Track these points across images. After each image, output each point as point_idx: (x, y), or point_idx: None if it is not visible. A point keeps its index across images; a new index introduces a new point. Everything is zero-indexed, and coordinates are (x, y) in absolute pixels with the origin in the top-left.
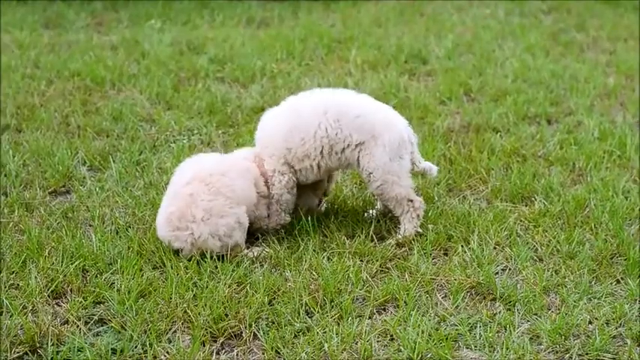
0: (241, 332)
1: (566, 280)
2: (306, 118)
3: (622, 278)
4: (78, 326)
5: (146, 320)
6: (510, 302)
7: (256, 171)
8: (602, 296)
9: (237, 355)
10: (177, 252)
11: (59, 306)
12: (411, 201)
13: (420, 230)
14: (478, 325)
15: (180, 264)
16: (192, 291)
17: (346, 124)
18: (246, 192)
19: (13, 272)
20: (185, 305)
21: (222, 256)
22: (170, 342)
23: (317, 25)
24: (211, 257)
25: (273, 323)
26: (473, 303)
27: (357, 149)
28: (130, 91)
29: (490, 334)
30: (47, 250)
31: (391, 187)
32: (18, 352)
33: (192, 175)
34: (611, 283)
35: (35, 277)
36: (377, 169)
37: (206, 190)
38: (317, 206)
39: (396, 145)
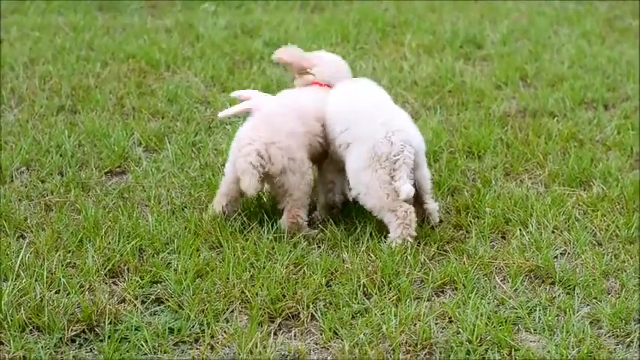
0: (299, 313)
1: (626, 264)
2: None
3: None
4: (135, 305)
5: (203, 300)
6: (570, 286)
7: None
8: None
9: (294, 335)
10: (233, 232)
11: (116, 285)
12: (394, 211)
13: (410, 240)
14: (537, 309)
15: (237, 244)
16: (250, 271)
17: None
18: None
19: (70, 251)
20: (242, 285)
21: (280, 236)
22: (227, 322)
23: (371, 10)
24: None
25: (331, 304)
26: (532, 286)
27: (344, 150)
28: (184, 74)
29: (550, 318)
30: (104, 230)
31: (363, 198)
32: (75, 330)
33: None
34: None
35: (92, 256)
36: (350, 176)
37: None
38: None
39: (368, 157)
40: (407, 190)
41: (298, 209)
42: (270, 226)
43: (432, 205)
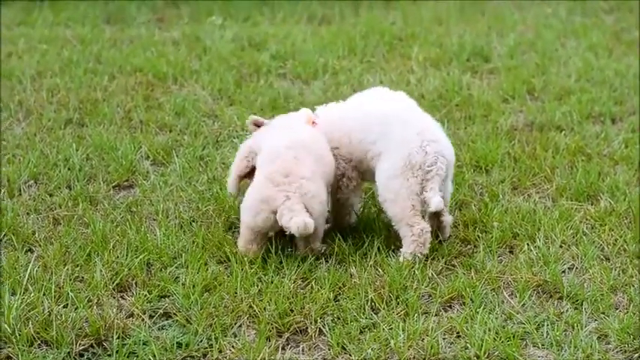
0: (307, 328)
1: (634, 279)
2: (348, 123)
3: None
4: (143, 319)
5: (211, 314)
6: (577, 301)
7: None
8: None
9: (302, 350)
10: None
11: (124, 299)
12: (411, 226)
13: (420, 257)
14: (545, 324)
15: (245, 259)
16: (258, 286)
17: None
18: None
19: (78, 265)
20: (250, 300)
21: (287, 250)
22: (235, 336)
23: (378, 23)
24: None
25: (339, 319)
26: (540, 301)
27: (376, 160)
28: (192, 87)
29: (557, 333)
30: (112, 244)
31: (388, 205)
32: (83, 345)
33: None
34: None
35: (100, 271)
36: (380, 183)
37: None
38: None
39: (401, 165)
40: (437, 201)
41: (317, 242)
42: (277, 240)
43: (447, 218)
